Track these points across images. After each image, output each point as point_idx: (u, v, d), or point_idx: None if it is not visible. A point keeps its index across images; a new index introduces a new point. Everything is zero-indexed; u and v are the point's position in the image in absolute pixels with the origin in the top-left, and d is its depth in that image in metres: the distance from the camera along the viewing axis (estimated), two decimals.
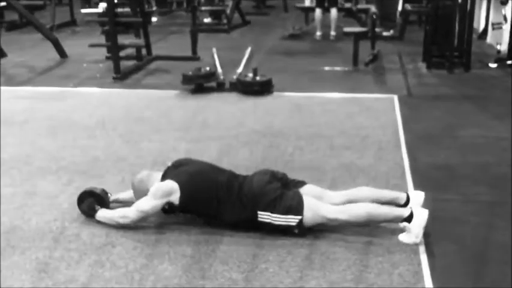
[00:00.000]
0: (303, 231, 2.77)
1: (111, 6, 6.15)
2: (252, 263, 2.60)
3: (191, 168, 2.96)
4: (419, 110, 4.96)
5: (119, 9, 6.79)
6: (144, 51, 6.92)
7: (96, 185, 3.34)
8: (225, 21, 8.94)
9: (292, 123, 4.63)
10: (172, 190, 2.83)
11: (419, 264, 2.57)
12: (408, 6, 8.31)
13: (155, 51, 7.08)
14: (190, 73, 5.58)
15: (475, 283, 2.46)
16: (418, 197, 2.94)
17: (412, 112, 4.85)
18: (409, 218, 2.71)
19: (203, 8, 8.88)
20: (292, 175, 3.05)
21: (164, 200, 2.83)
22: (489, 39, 7.63)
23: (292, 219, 2.75)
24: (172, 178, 2.87)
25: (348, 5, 9.01)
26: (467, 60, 6.29)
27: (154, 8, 9.76)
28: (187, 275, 2.52)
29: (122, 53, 6.56)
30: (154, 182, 2.91)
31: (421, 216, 2.71)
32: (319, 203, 2.81)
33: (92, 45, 6.88)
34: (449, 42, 6.29)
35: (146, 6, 8.05)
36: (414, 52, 7.06)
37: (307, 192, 2.87)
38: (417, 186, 3.32)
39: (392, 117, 4.68)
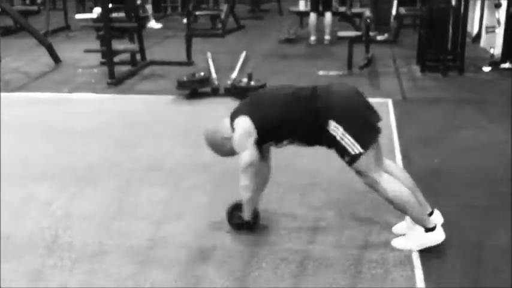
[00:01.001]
0: (353, 162, 2.64)
1: (106, 11, 6.15)
2: (245, 269, 2.59)
3: (251, 97, 2.88)
4: (413, 113, 4.97)
5: (114, 14, 6.78)
6: (138, 56, 6.92)
7: (91, 190, 3.35)
8: (219, 25, 8.94)
9: None
10: (247, 123, 2.72)
11: (412, 269, 2.57)
12: (402, 10, 8.33)
13: (150, 56, 7.08)
14: (184, 78, 5.58)
15: None
16: (438, 218, 2.86)
17: (406, 115, 4.86)
18: (430, 229, 2.70)
19: (198, 13, 8.89)
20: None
21: (252, 139, 2.71)
22: (483, 42, 7.66)
23: (356, 148, 2.62)
24: (239, 115, 2.77)
25: (342, 9, 9.03)
26: (461, 64, 6.31)
27: (150, 13, 9.75)
28: (181, 281, 2.51)
29: (117, 58, 6.56)
30: (224, 128, 2.83)
31: (439, 235, 2.70)
32: (377, 162, 2.71)
33: (87, 51, 6.87)
34: (443, 46, 6.31)
35: (141, 11, 8.05)
36: (408, 56, 7.08)
37: None
38: None
39: (387, 121, 4.67)
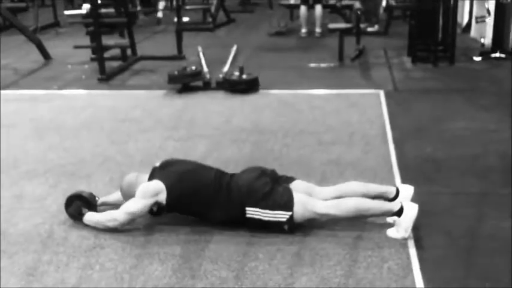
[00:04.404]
0: (293, 227, 2.76)
1: (94, 7, 6.11)
2: (241, 261, 2.59)
3: (177, 168, 2.94)
4: (405, 104, 4.98)
5: (103, 10, 6.74)
6: (129, 52, 6.89)
7: (84, 186, 3.33)
8: (209, 19, 8.91)
9: (279, 120, 4.63)
10: (159, 190, 2.81)
11: (408, 257, 2.58)
12: (392, 2, 8.33)
13: (140, 51, 7.04)
14: (176, 72, 5.56)
15: (465, 275, 2.47)
16: (407, 191, 2.94)
17: (398, 106, 4.87)
18: (398, 212, 2.72)
19: (188, 7, 8.85)
20: (281, 171, 3.06)
21: (151, 200, 2.81)
22: (473, 32, 7.67)
23: (282, 215, 2.74)
24: (159, 178, 2.86)
25: (332, 1, 9.00)
26: (451, 54, 6.32)
27: (138, 8, 9.69)
28: (177, 274, 2.51)
29: (107, 54, 6.52)
30: (142, 183, 2.89)
31: (411, 210, 2.71)
32: (309, 198, 2.81)
33: (77, 47, 6.82)
34: (433, 36, 6.31)
35: (130, 6, 8.00)
36: (399, 47, 7.08)
37: (297, 188, 2.86)
38: (405, 179, 3.33)
39: (379, 112, 4.70)
